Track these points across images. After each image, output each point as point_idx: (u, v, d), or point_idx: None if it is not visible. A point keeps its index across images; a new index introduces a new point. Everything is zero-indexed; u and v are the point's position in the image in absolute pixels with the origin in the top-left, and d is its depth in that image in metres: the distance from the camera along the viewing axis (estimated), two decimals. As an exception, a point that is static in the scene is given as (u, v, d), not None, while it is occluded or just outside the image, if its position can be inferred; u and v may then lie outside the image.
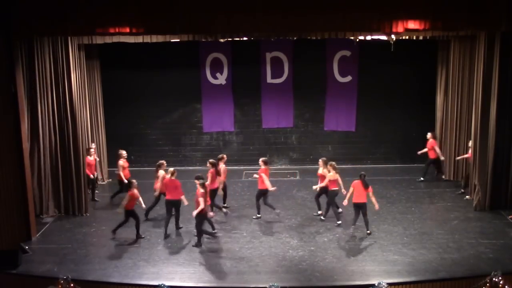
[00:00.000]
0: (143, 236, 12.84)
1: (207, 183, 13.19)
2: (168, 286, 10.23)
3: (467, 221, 13.45)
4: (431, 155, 16.06)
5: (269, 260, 11.59)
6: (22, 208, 12.66)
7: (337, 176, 13.39)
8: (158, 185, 13.80)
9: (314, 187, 13.80)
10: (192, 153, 17.89)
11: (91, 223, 13.87)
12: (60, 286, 10.25)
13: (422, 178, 16.24)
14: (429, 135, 16.16)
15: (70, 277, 10.35)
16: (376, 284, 10.07)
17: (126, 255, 11.94)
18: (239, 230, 13.17)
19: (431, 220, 13.56)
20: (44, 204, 14.24)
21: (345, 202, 12.89)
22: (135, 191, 12.75)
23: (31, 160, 13.59)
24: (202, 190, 12.29)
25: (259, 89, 18.14)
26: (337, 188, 13.41)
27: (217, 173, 13.84)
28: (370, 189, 12.66)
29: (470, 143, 14.62)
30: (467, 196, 14.82)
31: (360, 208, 12.70)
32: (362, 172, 12.88)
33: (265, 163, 13.90)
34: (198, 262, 11.55)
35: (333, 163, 13.44)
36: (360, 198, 12.65)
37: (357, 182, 12.69)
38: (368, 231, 12.69)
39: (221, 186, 13.99)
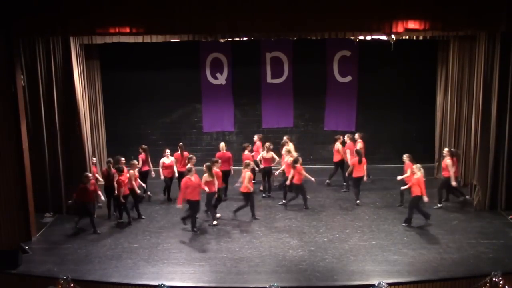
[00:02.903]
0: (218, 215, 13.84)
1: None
2: (168, 286, 10.21)
3: (467, 221, 13.46)
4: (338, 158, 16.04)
5: (269, 260, 11.58)
6: (22, 208, 12.66)
7: (272, 154, 15.39)
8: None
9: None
10: (192, 153, 17.84)
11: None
12: (60, 286, 10.23)
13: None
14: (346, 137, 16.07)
15: (70, 277, 10.33)
16: (376, 284, 10.06)
17: (126, 255, 11.93)
18: (239, 230, 13.18)
19: (431, 220, 13.54)
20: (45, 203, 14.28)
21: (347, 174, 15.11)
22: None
23: (32, 160, 13.58)
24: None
25: (259, 89, 18.16)
26: (269, 166, 15.43)
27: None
28: (364, 161, 14.76)
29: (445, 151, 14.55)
30: (467, 196, 14.82)
31: (359, 181, 14.66)
32: (357, 149, 15.00)
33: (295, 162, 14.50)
34: (198, 262, 11.54)
35: (268, 143, 15.55)
36: (358, 173, 14.61)
37: (355, 160, 14.65)
38: (358, 201, 14.67)
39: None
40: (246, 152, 15.80)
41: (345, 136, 16.05)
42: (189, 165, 13.65)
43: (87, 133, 15.44)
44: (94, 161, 15.21)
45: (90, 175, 13.46)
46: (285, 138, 16.08)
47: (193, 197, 12.90)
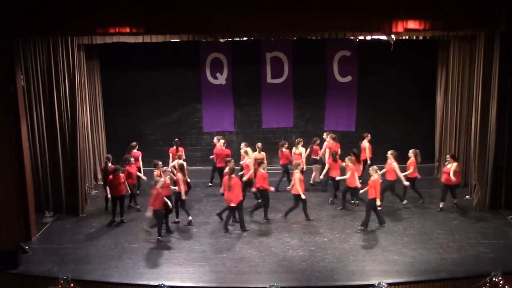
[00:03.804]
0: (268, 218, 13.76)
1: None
2: (168, 286, 10.23)
3: (467, 221, 13.47)
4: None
5: (269, 260, 11.59)
6: (22, 208, 12.66)
7: (263, 154, 15.36)
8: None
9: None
10: (192, 153, 17.88)
11: (91, 223, 13.88)
12: (60, 286, 10.26)
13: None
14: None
15: (70, 277, 10.37)
16: (376, 284, 10.08)
17: (126, 255, 11.94)
18: (239, 230, 13.15)
19: (431, 220, 13.56)
20: (44, 203, 14.28)
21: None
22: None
23: (31, 160, 13.59)
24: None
25: (259, 89, 18.15)
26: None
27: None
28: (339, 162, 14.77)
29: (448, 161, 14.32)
30: (467, 196, 14.83)
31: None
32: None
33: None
34: (198, 262, 11.55)
35: (259, 143, 15.63)
36: (336, 173, 14.68)
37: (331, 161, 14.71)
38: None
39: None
40: (284, 149, 15.73)
41: (328, 135, 16.24)
42: (231, 166, 13.41)
43: (87, 133, 15.43)
44: (133, 161, 14.81)
45: (162, 179, 12.80)
46: (242, 144, 15.63)
47: (240, 197, 13.12)
